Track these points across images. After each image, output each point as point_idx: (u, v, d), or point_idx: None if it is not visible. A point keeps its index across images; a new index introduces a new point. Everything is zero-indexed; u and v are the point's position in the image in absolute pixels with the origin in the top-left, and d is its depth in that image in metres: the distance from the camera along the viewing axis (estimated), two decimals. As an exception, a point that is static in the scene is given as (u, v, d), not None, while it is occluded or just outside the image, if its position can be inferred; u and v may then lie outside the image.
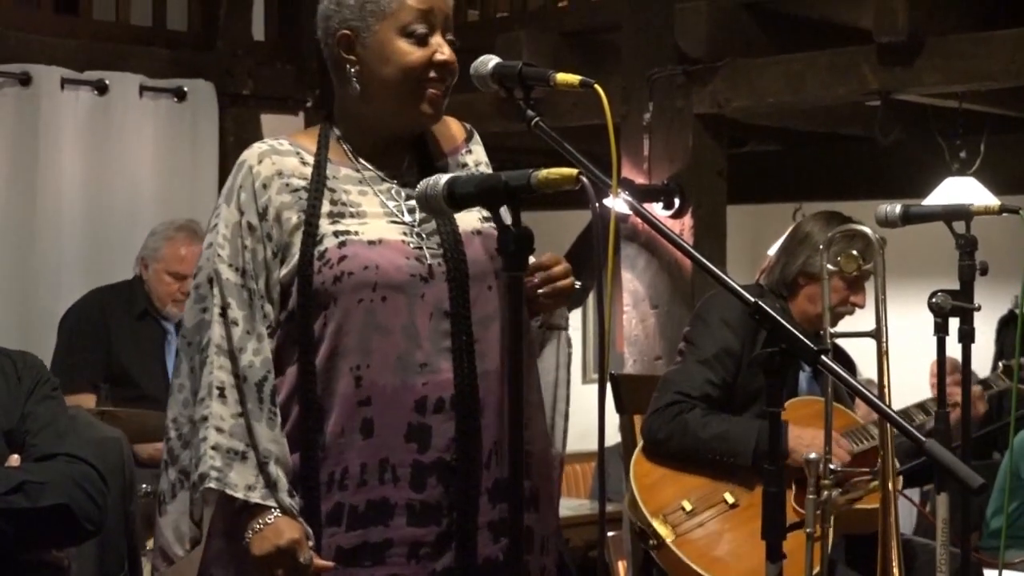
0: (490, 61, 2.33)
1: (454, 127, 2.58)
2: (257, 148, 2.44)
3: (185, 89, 6.28)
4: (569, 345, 2.55)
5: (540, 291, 2.35)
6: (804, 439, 3.41)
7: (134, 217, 5.95)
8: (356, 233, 2.37)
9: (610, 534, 4.20)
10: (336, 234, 2.36)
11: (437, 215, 2.32)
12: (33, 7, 6.08)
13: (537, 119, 2.27)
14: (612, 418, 3.70)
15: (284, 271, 2.38)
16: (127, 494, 3.75)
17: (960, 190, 5.40)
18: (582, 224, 6.38)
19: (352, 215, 2.39)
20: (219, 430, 2.33)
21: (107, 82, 6.03)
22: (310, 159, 2.44)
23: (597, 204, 1.99)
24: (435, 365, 2.34)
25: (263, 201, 2.39)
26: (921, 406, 3.82)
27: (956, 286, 3.19)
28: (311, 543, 2.33)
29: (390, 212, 2.40)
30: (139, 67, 6.19)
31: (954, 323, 3.19)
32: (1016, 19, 4.52)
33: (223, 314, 2.37)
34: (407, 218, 2.40)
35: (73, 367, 4.88)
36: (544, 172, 2.00)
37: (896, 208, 3.23)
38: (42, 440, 2.83)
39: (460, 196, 2.07)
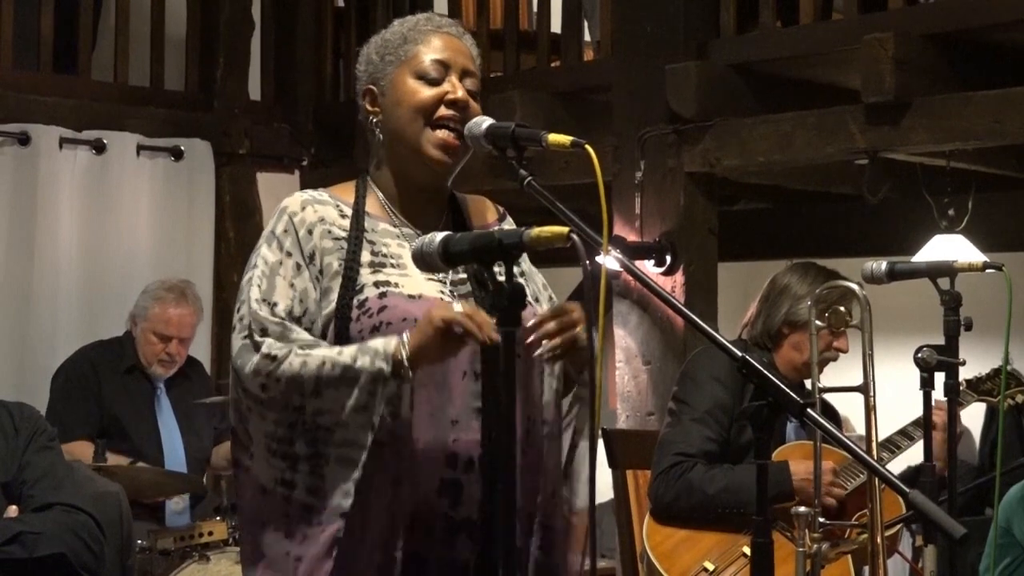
0: (484, 122, 2.38)
1: (487, 207, 2.62)
2: (299, 196, 2.47)
3: (182, 148, 6.33)
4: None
5: (552, 340, 2.28)
6: (810, 477, 3.43)
7: (130, 275, 5.98)
8: (397, 285, 2.39)
9: (603, 589, 4.22)
10: (377, 284, 2.38)
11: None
12: (32, 67, 6.13)
13: (530, 178, 2.30)
14: (605, 474, 3.73)
15: (321, 315, 2.39)
16: (125, 548, 3.76)
17: (948, 247, 5.43)
18: (575, 281, 6.41)
19: (393, 266, 2.41)
20: (340, 351, 2.29)
21: (105, 141, 6.08)
22: (348, 211, 2.46)
23: (588, 261, 2.02)
24: (466, 423, 2.34)
25: (309, 247, 2.41)
26: (903, 432, 3.85)
27: (942, 341, 3.24)
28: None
29: None
30: (136, 127, 6.24)
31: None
32: (1000, 80, 4.58)
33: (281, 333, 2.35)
34: (442, 276, 2.42)
35: (67, 418, 4.90)
36: (536, 230, 2.03)
37: (882, 265, 3.29)
38: (39, 490, 2.85)
39: (454, 253, 2.10)
